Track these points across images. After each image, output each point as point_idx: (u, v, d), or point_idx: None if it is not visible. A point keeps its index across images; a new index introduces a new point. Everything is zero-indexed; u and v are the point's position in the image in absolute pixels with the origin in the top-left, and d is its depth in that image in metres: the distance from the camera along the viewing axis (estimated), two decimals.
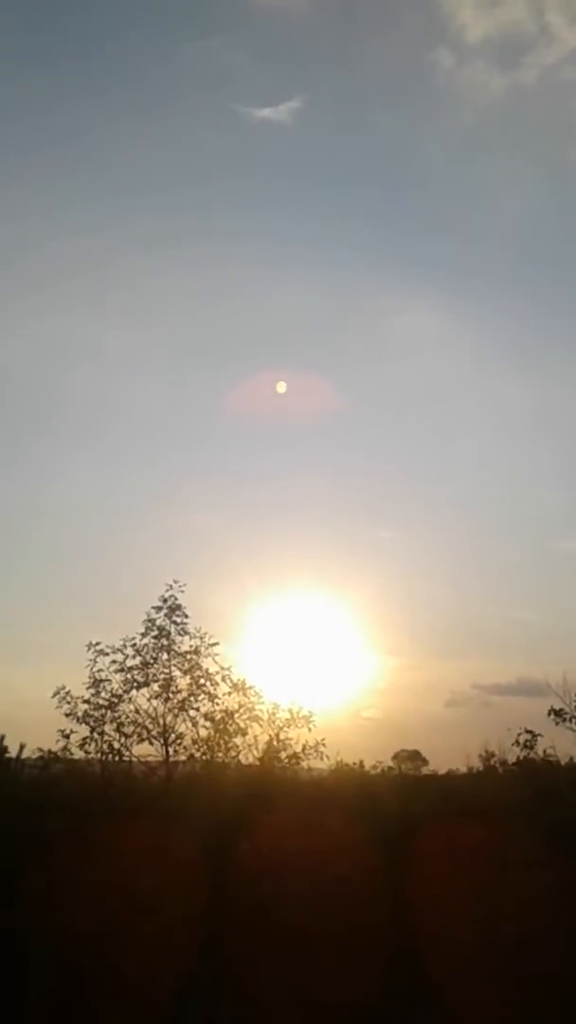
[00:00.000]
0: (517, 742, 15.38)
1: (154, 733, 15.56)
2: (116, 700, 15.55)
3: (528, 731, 15.36)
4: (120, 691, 15.63)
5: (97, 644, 15.90)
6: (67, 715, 15.52)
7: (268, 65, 59.64)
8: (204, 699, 15.73)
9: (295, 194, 60.35)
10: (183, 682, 15.84)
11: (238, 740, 15.49)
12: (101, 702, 15.52)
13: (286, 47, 58.33)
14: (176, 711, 15.63)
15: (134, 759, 15.65)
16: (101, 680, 15.68)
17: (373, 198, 64.68)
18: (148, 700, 15.73)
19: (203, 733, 15.61)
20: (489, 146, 60.88)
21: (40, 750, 15.92)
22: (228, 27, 59.18)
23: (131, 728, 15.42)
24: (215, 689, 15.77)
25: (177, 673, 15.89)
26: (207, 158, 59.52)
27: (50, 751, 15.74)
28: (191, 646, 16.03)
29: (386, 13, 59.54)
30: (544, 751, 15.42)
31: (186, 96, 59.59)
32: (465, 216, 63.15)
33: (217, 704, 15.70)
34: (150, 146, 57.85)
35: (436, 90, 58.85)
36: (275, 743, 15.45)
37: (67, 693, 15.65)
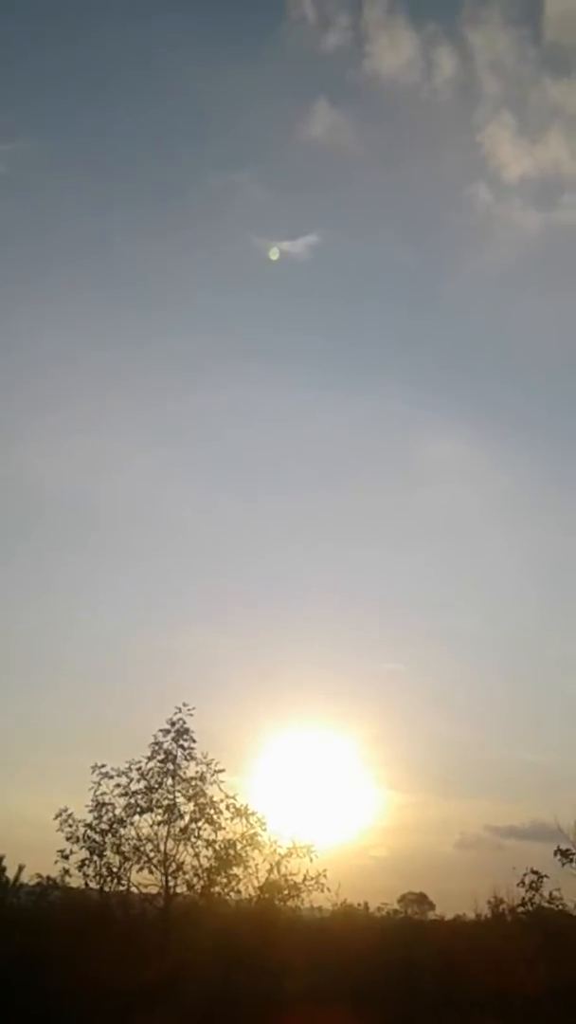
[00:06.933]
0: (523, 883, 15.08)
1: (155, 861, 15.39)
2: (118, 824, 15.45)
3: (534, 871, 15.10)
4: (123, 815, 15.54)
5: (102, 767, 15.86)
6: (68, 838, 15.45)
7: (291, 197, 61.57)
8: (207, 826, 15.56)
9: (319, 321, 62.75)
10: (187, 808, 15.70)
11: (238, 871, 15.26)
12: (103, 826, 15.42)
13: (316, 177, 61.79)
14: (178, 838, 15.50)
15: (133, 888, 15.41)
16: (104, 803, 15.60)
17: (399, 327, 65.82)
18: (151, 826, 15.61)
19: (204, 863, 15.41)
20: (524, 284, 63.68)
21: (39, 876, 15.77)
22: (258, 159, 62.83)
23: (132, 853, 15.27)
24: (218, 817, 15.63)
25: (181, 799, 15.76)
26: (233, 282, 62.45)
27: (48, 877, 15.58)
28: (197, 772, 15.91)
29: (428, 148, 61.16)
30: (550, 893, 15.08)
31: (208, 219, 62.29)
32: (495, 352, 65.47)
33: (220, 832, 15.53)
34: (178, 260, 59.56)
35: (471, 226, 60.08)
36: (275, 874, 15.21)
37: (69, 816, 15.59)
